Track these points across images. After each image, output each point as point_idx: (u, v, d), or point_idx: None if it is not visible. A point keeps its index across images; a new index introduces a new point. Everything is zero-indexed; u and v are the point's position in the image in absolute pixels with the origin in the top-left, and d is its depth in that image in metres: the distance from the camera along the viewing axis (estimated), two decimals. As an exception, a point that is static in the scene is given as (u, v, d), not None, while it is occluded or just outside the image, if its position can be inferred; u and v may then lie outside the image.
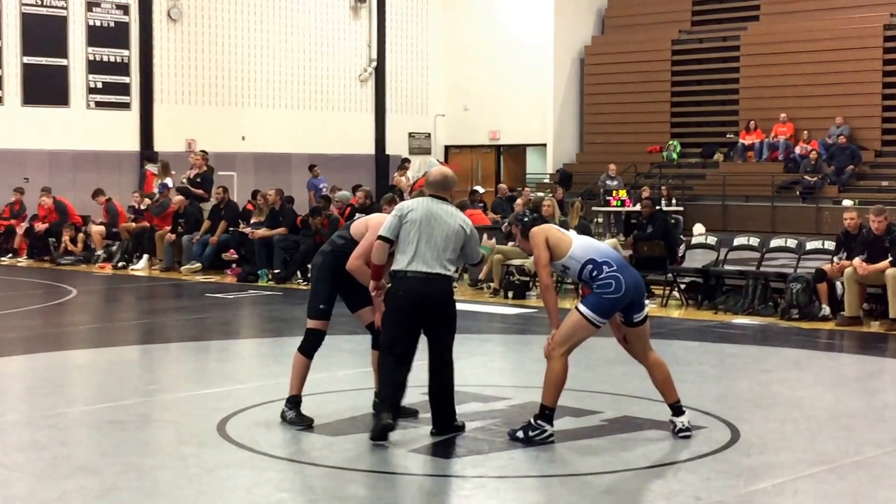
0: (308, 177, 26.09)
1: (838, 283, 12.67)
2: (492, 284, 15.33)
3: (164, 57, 27.04)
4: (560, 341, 6.91)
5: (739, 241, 15.10)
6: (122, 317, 14.32)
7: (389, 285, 6.97)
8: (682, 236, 16.47)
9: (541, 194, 21.34)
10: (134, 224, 20.08)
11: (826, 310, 12.64)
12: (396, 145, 31.13)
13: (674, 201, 25.60)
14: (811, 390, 9.07)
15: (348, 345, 10.20)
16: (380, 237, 6.96)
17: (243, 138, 28.21)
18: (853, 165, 25.95)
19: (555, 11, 30.65)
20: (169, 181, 21.39)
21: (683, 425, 7.06)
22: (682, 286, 14.33)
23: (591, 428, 7.37)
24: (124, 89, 26.49)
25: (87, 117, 25.98)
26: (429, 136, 32.27)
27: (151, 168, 23.04)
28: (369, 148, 30.83)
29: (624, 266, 6.99)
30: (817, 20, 27.91)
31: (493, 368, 10.16)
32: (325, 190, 23.41)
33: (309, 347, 7.38)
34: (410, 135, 31.85)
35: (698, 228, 24.32)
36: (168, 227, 19.29)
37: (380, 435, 6.77)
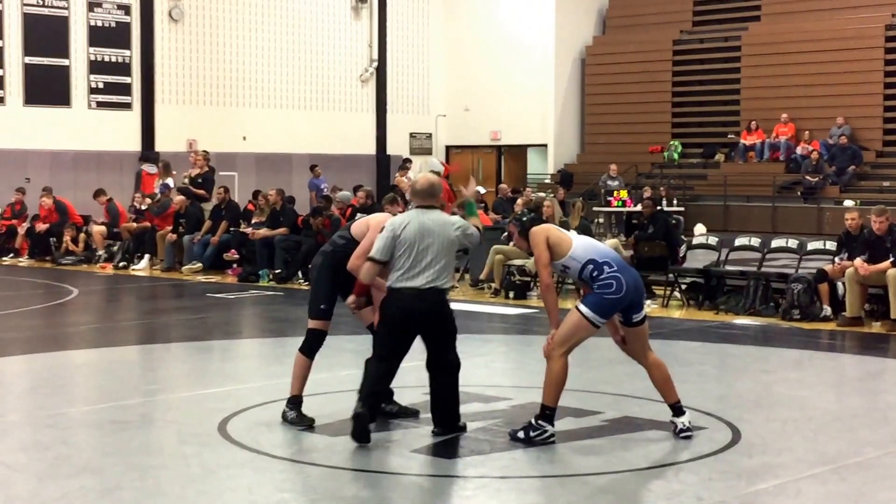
0: (309, 177, 26.11)
1: (839, 284, 12.67)
2: (493, 285, 15.34)
3: (165, 57, 27.05)
4: (560, 341, 6.91)
5: (740, 241, 15.10)
6: (124, 317, 14.33)
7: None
8: (683, 236, 16.47)
9: (542, 194, 21.36)
10: (135, 224, 20.09)
11: (827, 310, 12.64)
12: (397, 145, 31.14)
13: (675, 202, 25.61)
14: (812, 391, 9.07)
15: (350, 345, 10.20)
16: (371, 258, 6.92)
17: (244, 138, 28.22)
18: (854, 166, 25.95)
19: (556, 11, 30.66)
20: (170, 181, 21.40)
21: (684, 425, 7.06)
22: (684, 286, 14.32)
23: (592, 428, 7.37)
24: (125, 89, 26.51)
25: (89, 117, 25.99)
26: (430, 136, 32.28)
27: (147, 168, 23.00)
28: (370, 148, 30.84)
29: (624, 266, 7.00)
30: (818, 20, 27.91)
31: (494, 369, 10.16)
32: (326, 190, 23.41)
33: (310, 348, 7.38)
34: (411, 135, 31.86)
35: (699, 229, 24.33)
36: (169, 228, 19.30)
37: (357, 431, 6.69)
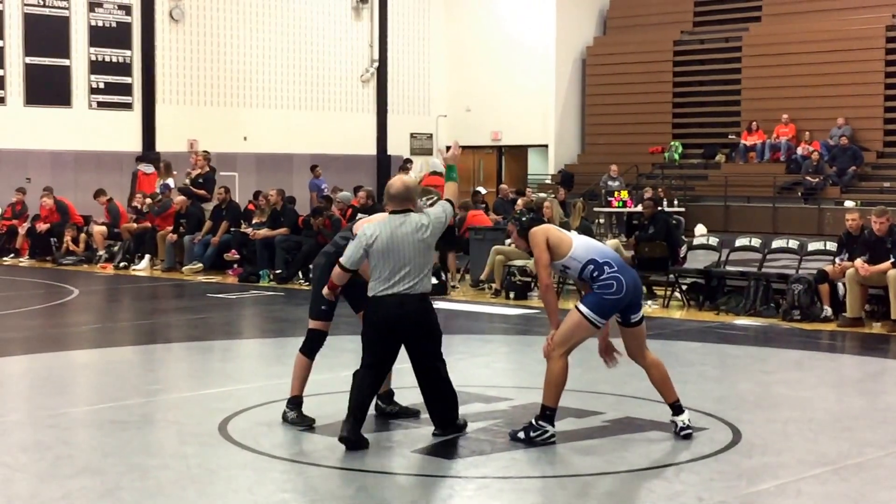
0: (310, 177, 26.12)
1: (840, 285, 12.67)
2: (493, 285, 15.34)
3: (166, 57, 27.06)
4: (560, 341, 6.91)
5: (741, 241, 15.09)
6: (124, 317, 14.33)
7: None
8: (683, 237, 16.47)
9: (542, 195, 21.36)
10: (135, 224, 20.10)
11: (827, 311, 12.64)
12: (398, 146, 31.15)
13: (675, 202, 25.61)
14: (813, 391, 9.07)
15: (351, 345, 10.16)
16: (341, 266, 6.93)
17: (245, 139, 28.23)
18: (855, 166, 25.95)
19: (556, 12, 30.66)
20: (171, 181, 21.41)
21: (684, 424, 7.07)
22: (684, 287, 14.32)
23: (594, 429, 7.37)
24: (126, 90, 26.52)
25: (89, 117, 26.00)
26: (430, 136, 32.29)
27: (144, 168, 22.99)
28: (371, 148, 30.85)
29: (624, 267, 7.01)
30: (819, 21, 27.91)
31: (495, 369, 10.16)
32: (326, 190, 23.42)
33: (311, 348, 7.39)
34: (412, 135, 31.86)
35: (700, 229, 24.33)
36: (170, 228, 19.31)
37: (350, 448, 6.68)
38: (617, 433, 7.23)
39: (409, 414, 7.53)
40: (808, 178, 25.93)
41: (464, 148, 32.95)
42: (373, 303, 6.82)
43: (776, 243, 14.80)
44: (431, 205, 7.41)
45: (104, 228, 20.54)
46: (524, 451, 6.75)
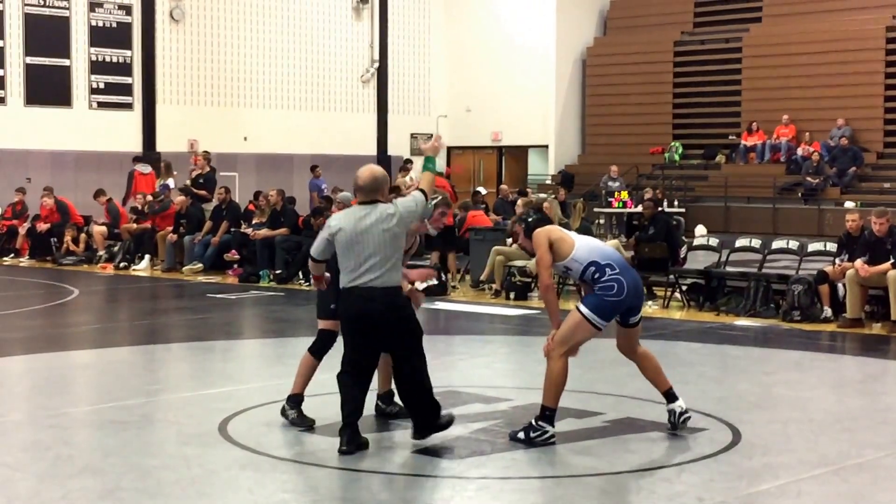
0: (310, 177, 26.11)
1: (840, 285, 12.67)
2: (493, 286, 15.34)
3: (166, 57, 27.06)
4: (560, 341, 6.92)
5: (741, 242, 15.10)
6: (124, 317, 14.33)
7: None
8: (683, 238, 16.47)
9: (542, 195, 21.37)
10: (135, 224, 20.10)
11: (828, 312, 12.64)
12: (398, 146, 31.15)
13: (675, 203, 25.60)
14: (813, 392, 9.07)
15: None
16: (311, 257, 7.00)
17: (245, 139, 28.24)
18: (855, 167, 25.95)
19: (556, 13, 30.66)
20: (171, 181, 21.41)
21: (682, 408, 7.11)
22: (684, 287, 14.33)
23: (594, 429, 7.37)
24: (127, 90, 26.52)
25: (90, 118, 26.00)
26: (431, 136, 32.23)
27: (141, 168, 23.00)
28: (371, 149, 30.84)
29: (625, 268, 7.00)
30: (819, 22, 27.92)
31: (495, 370, 10.16)
32: (326, 190, 23.42)
33: (320, 348, 7.35)
34: (412, 136, 31.87)
35: (700, 230, 24.33)
36: (170, 228, 19.32)
37: (351, 452, 6.66)
38: (617, 434, 7.23)
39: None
40: (809, 178, 25.93)
41: (464, 148, 32.86)
42: (343, 295, 6.77)
43: (776, 244, 14.80)
44: (436, 205, 7.41)
45: (104, 228, 20.54)
46: (524, 452, 6.75)
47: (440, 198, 7.52)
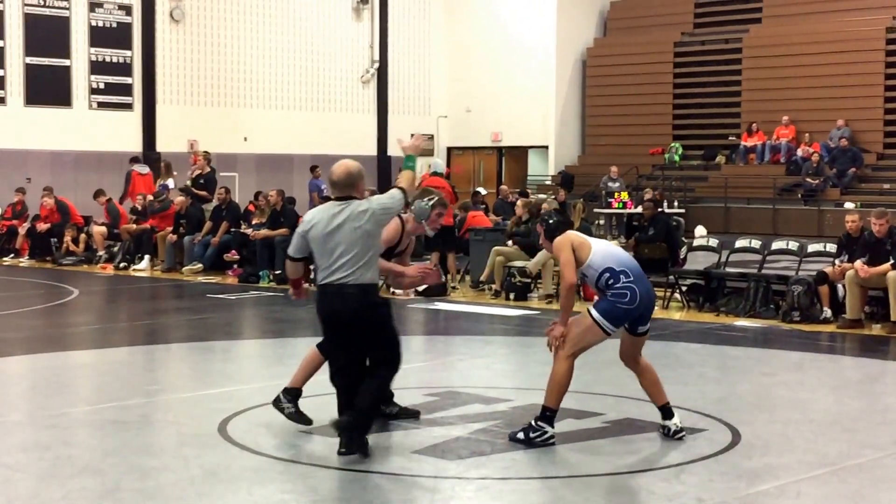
0: (309, 178, 26.11)
1: (840, 286, 12.67)
2: (493, 286, 15.34)
3: (166, 58, 27.07)
4: (571, 342, 6.90)
5: (741, 243, 15.10)
6: (124, 317, 14.34)
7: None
8: (683, 238, 16.46)
9: (543, 196, 21.37)
10: (135, 225, 20.10)
11: (827, 312, 12.64)
12: (398, 147, 31.09)
13: (675, 204, 25.60)
14: (812, 393, 9.07)
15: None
16: (287, 256, 6.93)
17: (245, 139, 28.25)
18: (855, 168, 25.96)
19: (557, 13, 30.67)
20: (170, 182, 21.41)
21: (677, 426, 7.08)
22: (684, 288, 14.33)
23: (594, 430, 7.37)
24: (127, 90, 26.53)
25: (90, 118, 26.02)
26: (431, 137, 32.28)
27: (139, 168, 22.99)
28: (371, 149, 30.84)
29: (640, 277, 6.98)
30: (819, 22, 27.93)
31: (495, 370, 10.16)
32: (326, 191, 23.41)
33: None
34: (412, 136, 31.80)
35: (700, 230, 24.33)
36: (170, 228, 19.32)
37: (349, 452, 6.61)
38: (617, 434, 7.24)
39: (409, 415, 7.52)
40: (808, 179, 25.94)
41: (464, 149, 32.86)
42: (318, 292, 6.74)
43: (776, 245, 14.80)
44: (432, 205, 7.41)
45: (104, 229, 20.55)
46: (524, 452, 6.75)
47: (436, 198, 7.53)
